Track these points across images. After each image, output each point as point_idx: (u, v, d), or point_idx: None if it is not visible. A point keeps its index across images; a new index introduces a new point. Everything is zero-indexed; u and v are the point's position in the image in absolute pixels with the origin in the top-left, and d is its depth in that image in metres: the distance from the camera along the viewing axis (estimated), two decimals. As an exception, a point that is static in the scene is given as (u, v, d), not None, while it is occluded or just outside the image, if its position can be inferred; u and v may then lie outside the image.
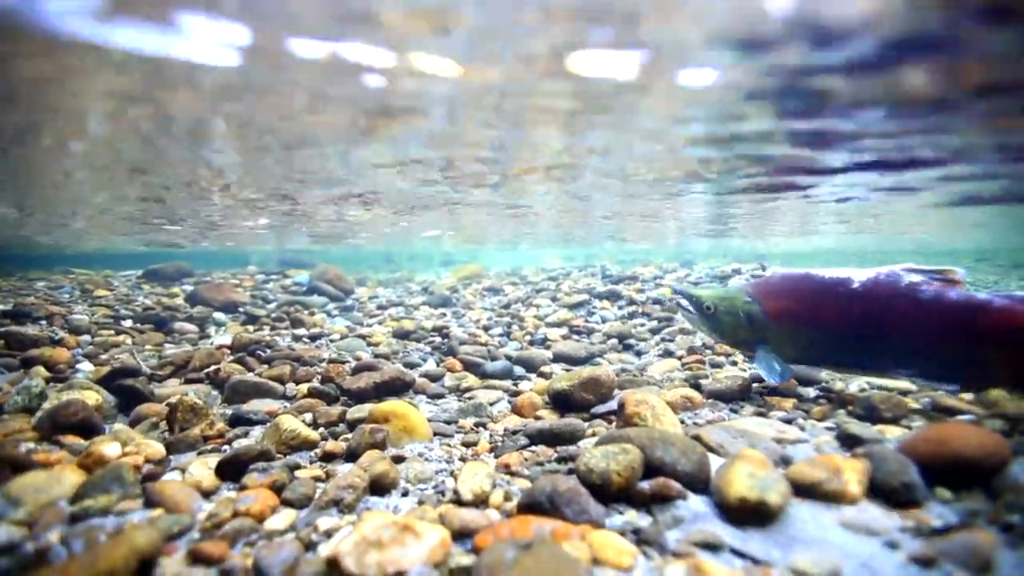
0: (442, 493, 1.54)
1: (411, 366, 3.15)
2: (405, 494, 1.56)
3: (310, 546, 1.27)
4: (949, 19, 1.82)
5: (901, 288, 2.02)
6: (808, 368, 2.58)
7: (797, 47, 2.02)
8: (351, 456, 1.79)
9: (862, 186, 5.18)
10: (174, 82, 2.40)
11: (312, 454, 1.86)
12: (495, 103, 2.68)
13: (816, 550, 1.21)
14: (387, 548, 1.12)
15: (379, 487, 1.55)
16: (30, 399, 2.22)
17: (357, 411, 2.18)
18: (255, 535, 1.31)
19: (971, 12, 1.79)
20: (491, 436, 2.05)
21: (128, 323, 4.43)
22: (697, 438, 1.76)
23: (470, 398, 2.55)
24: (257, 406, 2.40)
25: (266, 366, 2.98)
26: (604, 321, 4.46)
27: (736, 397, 2.36)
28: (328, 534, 1.30)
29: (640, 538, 1.27)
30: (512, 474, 1.64)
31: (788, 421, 2.03)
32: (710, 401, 2.32)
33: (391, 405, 2.05)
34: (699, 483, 1.46)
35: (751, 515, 1.31)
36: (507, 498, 1.47)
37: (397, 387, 2.56)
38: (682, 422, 2.03)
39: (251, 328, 4.49)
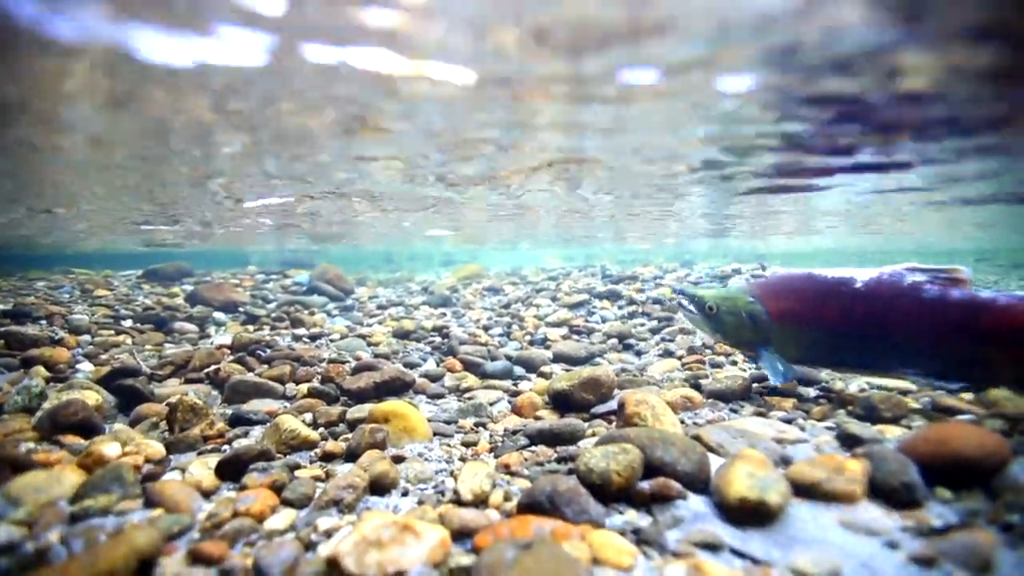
0: (442, 493, 1.54)
1: (411, 366, 3.15)
2: (405, 494, 1.56)
3: (310, 546, 1.27)
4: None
5: (904, 287, 2.01)
6: (808, 368, 2.58)
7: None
8: (351, 456, 1.79)
9: (864, 185, 5.17)
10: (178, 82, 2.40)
11: (312, 454, 1.86)
12: (495, 100, 2.67)
13: (816, 550, 1.21)
14: (387, 548, 1.12)
15: (379, 487, 1.55)
16: (30, 399, 2.22)
17: (357, 411, 2.18)
18: (255, 535, 1.31)
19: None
20: (491, 436, 2.05)
21: (128, 323, 4.43)
22: (697, 438, 1.76)
23: (470, 398, 2.55)
24: (257, 406, 2.40)
25: (266, 366, 2.98)
26: (604, 321, 4.46)
27: (736, 397, 2.36)
28: (328, 534, 1.30)
29: (640, 538, 1.27)
30: (512, 474, 1.64)
31: (788, 421, 2.03)
32: (710, 401, 2.32)
33: (391, 405, 2.05)
34: (699, 483, 1.46)
35: (751, 515, 1.31)
36: (507, 498, 1.47)
37: (397, 387, 2.56)
38: (682, 422, 2.03)
39: (251, 328, 4.49)
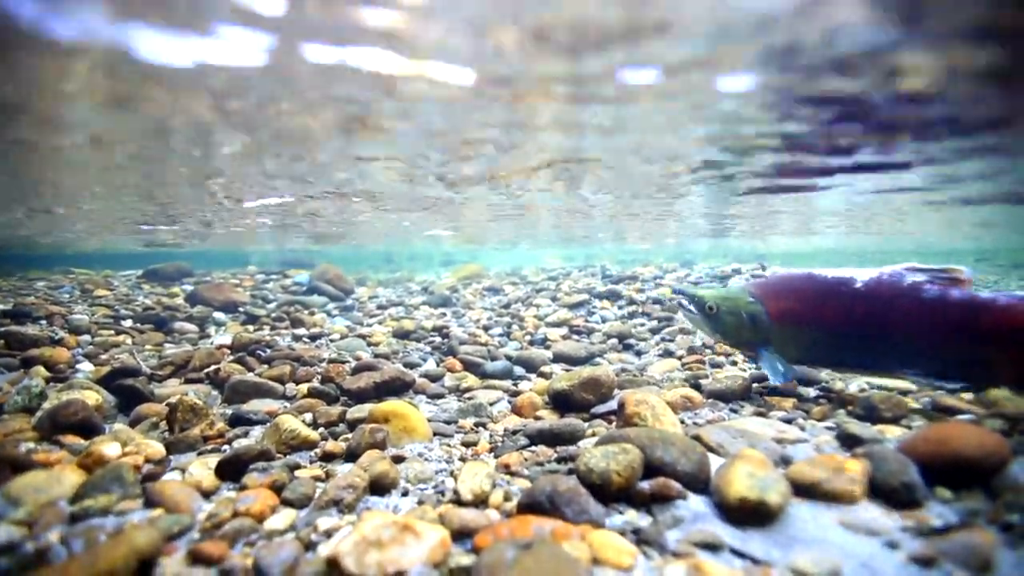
0: (442, 493, 1.54)
1: (411, 366, 3.15)
2: (405, 494, 1.56)
3: (310, 546, 1.27)
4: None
5: (904, 288, 2.01)
6: (808, 368, 2.58)
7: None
8: (351, 456, 1.79)
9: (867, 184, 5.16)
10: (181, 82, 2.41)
11: (312, 454, 1.86)
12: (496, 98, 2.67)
13: (816, 550, 1.21)
14: (387, 548, 1.12)
15: (379, 487, 1.55)
16: (30, 399, 2.22)
17: (357, 411, 2.18)
18: (255, 535, 1.31)
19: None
20: (491, 436, 2.05)
21: (128, 323, 4.43)
22: (697, 438, 1.76)
23: (470, 398, 2.55)
24: (257, 406, 2.40)
25: (266, 366, 2.98)
26: (604, 321, 4.46)
27: (736, 397, 2.36)
28: (328, 534, 1.30)
29: (640, 538, 1.27)
30: (512, 474, 1.64)
31: (788, 421, 2.03)
32: (710, 401, 2.32)
33: (391, 405, 2.05)
34: (699, 483, 1.46)
35: (751, 515, 1.31)
36: (507, 498, 1.47)
37: (397, 387, 2.56)
38: (682, 422, 2.03)
39: (251, 328, 4.49)
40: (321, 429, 2.12)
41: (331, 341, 3.93)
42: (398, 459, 1.75)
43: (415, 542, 1.15)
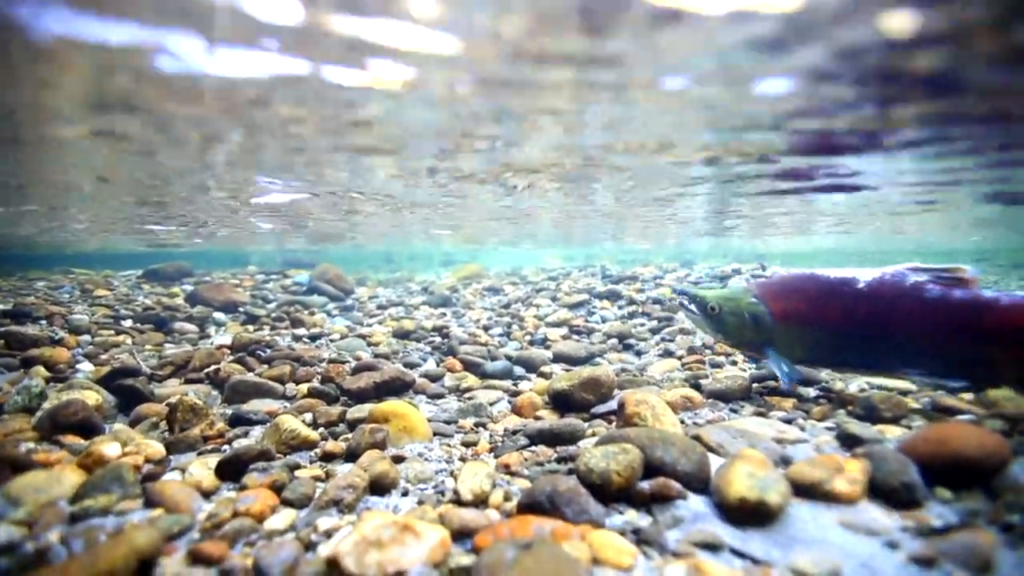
0: (442, 493, 1.54)
1: (411, 366, 3.15)
2: (405, 494, 1.56)
3: (310, 546, 1.27)
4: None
5: (907, 288, 2.01)
6: (808, 368, 2.58)
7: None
8: (351, 456, 1.79)
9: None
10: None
11: (312, 454, 1.86)
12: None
13: (816, 550, 1.21)
14: (387, 548, 1.12)
15: (379, 487, 1.55)
16: (30, 399, 2.22)
17: (357, 411, 2.18)
18: (255, 535, 1.31)
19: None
20: (491, 436, 2.05)
21: (128, 323, 4.43)
22: (697, 438, 1.76)
23: (470, 398, 2.55)
24: (257, 406, 2.40)
25: (266, 366, 2.98)
26: (604, 321, 4.46)
27: (736, 397, 2.36)
28: (328, 534, 1.30)
29: (640, 538, 1.27)
30: (512, 474, 1.64)
31: (788, 421, 2.03)
32: (710, 401, 2.32)
33: (391, 405, 2.06)
34: (699, 483, 1.46)
35: (751, 515, 1.31)
36: (507, 498, 1.47)
37: (397, 387, 2.56)
38: (682, 422, 2.03)
39: (251, 328, 4.49)
40: (321, 429, 2.12)
41: (331, 341, 3.93)
42: (398, 459, 1.75)
43: (415, 542, 1.15)
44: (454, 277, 8.19)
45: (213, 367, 2.87)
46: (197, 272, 7.60)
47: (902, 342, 2.04)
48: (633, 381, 2.63)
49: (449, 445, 1.96)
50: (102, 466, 1.60)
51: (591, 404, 2.26)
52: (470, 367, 3.08)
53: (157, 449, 1.79)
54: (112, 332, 4.04)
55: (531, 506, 1.34)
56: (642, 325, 4.23)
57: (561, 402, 2.31)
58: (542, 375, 3.02)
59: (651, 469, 1.47)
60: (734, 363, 3.15)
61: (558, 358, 3.32)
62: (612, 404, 2.21)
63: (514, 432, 2.02)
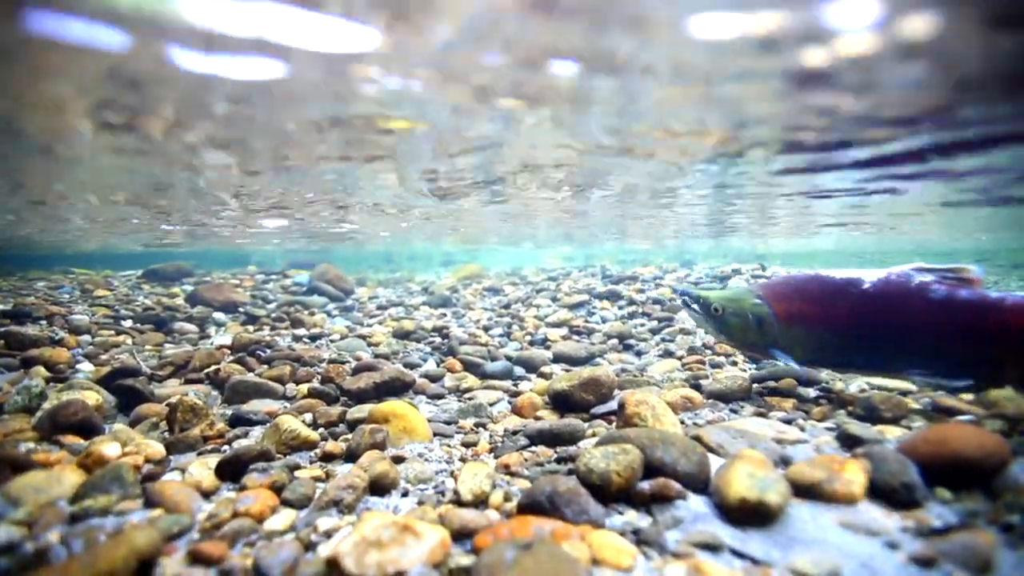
0: (442, 493, 1.54)
1: (411, 366, 3.15)
2: (405, 494, 1.56)
3: (310, 546, 1.27)
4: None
5: (912, 288, 2.01)
6: (810, 368, 2.57)
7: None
8: (351, 456, 1.79)
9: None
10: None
11: (312, 454, 1.86)
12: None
13: (816, 550, 1.21)
14: (387, 548, 1.12)
15: (379, 487, 1.55)
16: (30, 399, 2.22)
17: (357, 411, 2.18)
18: (255, 535, 1.31)
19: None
20: (491, 436, 2.05)
21: (128, 323, 4.43)
22: (697, 438, 1.76)
23: (470, 398, 2.55)
24: (257, 406, 2.40)
25: (266, 366, 2.98)
26: (604, 321, 4.46)
27: (736, 397, 2.36)
28: (328, 534, 1.30)
29: (640, 538, 1.27)
30: (512, 474, 1.64)
31: (788, 421, 2.03)
32: (710, 401, 2.32)
33: (391, 405, 2.05)
34: (699, 483, 1.46)
35: (751, 515, 1.31)
36: (507, 498, 1.47)
37: (397, 387, 2.56)
38: (682, 422, 2.03)
39: (251, 328, 4.49)
40: (321, 429, 2.12)
41: (331, 341, 3.93)
42: (398, 459, 1.75)
43: (415, 542, 1.15)
44: (454, 277, 8.20)
45: (213, 367, 2.87)
46: (197, 272, 7.61)
47: (909, 343, 2.02)
48: (633, 381, 2.63)
49: (449, 445, 1.96)
50: (102, 466, 1.60)
51: (591, 404, 2.26)
52: (470, 367, 3.08)
53: (157, 449, 1.79)
54: (112, 332, 4.04)
55: (531, 506, 1.34)
56: (642, 325, 4.23)
57: (561, 402, 2.31)
58: (542, 375, 3.02)
59: (651, 469, 1.47)
60: (734, 363, 3.15)
61: (558, 358, 3.32)
62: (612, 404, 2.21)
63: (514, 432, 2.02)
